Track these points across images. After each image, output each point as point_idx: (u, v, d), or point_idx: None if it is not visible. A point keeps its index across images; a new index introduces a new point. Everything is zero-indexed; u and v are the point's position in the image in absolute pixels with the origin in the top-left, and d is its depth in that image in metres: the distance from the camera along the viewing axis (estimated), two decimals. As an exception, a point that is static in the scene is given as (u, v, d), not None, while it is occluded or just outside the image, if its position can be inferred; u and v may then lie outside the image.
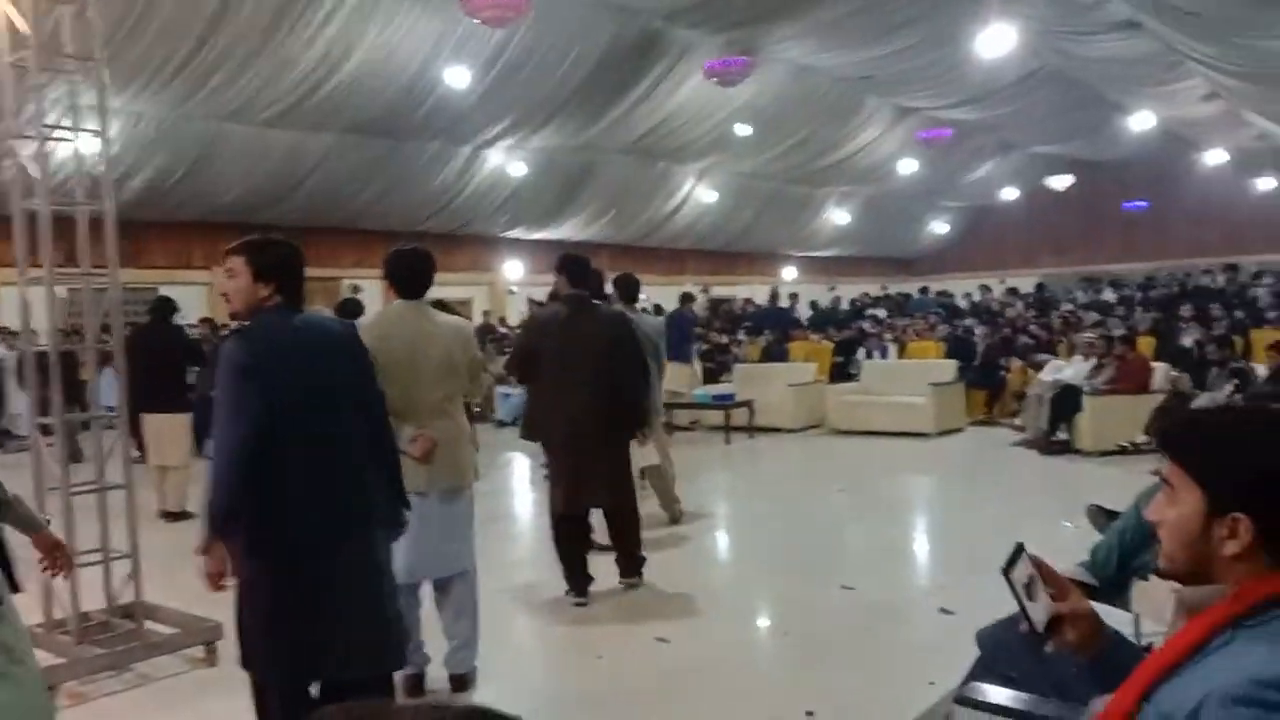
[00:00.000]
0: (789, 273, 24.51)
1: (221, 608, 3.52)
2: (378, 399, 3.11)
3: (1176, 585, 1.49)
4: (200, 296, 14.90)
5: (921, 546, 7.01)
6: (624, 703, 3.90)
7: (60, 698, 3.84)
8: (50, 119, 4.49)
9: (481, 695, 3.89)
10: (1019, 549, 1.67)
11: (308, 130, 13.18)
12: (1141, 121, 17.00)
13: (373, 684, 2.91)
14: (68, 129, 4.40)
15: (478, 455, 5.54)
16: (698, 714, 3.80)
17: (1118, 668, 1.54)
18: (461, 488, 3.92)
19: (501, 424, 12.98)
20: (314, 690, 2.92)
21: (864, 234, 24.27)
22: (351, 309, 7.44)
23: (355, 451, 2.93)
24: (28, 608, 3.04)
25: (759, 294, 21.43)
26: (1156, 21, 10.61)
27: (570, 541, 5.16)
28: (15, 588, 2.61)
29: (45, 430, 4.38)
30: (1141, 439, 9.18)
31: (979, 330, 14.70)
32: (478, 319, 16.44)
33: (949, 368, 12.04)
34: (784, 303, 18.46)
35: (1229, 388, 8.78)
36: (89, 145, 4.50)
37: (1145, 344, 11.79)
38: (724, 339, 16.04)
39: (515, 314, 17.54)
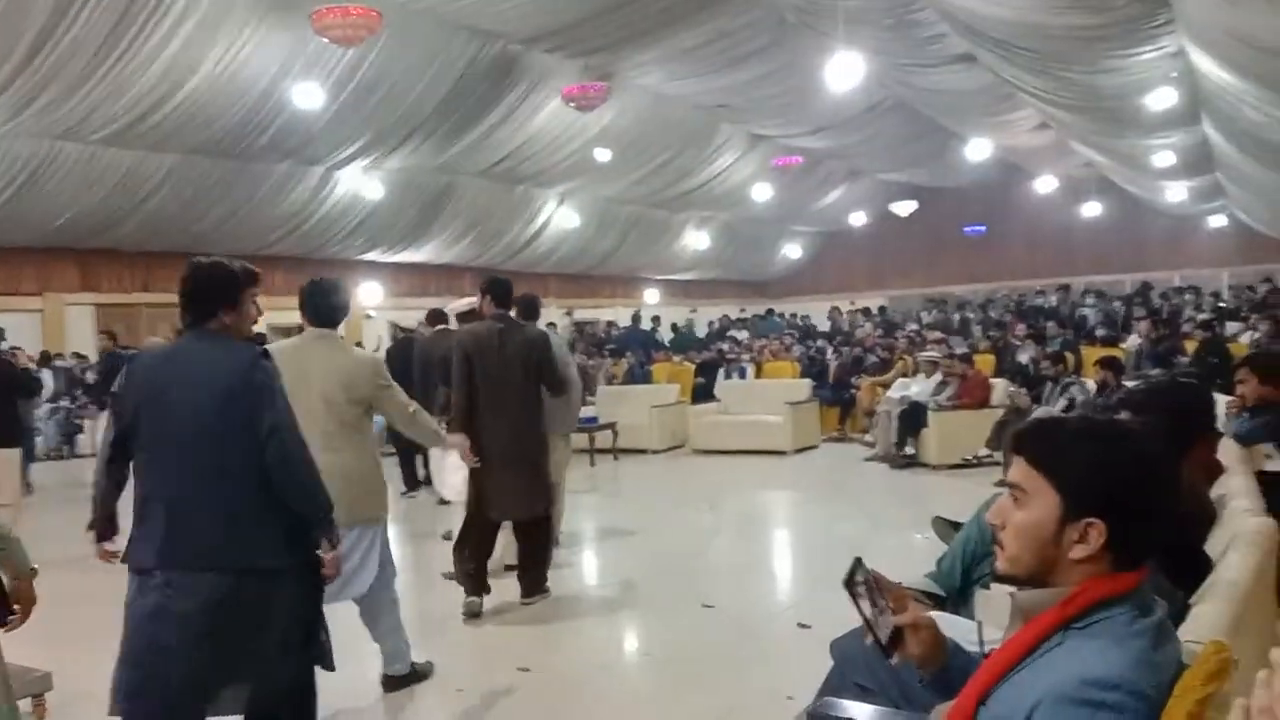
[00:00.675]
0: (651, 295, 24.74)
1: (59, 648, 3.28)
2: (274, 432, 2.75)
3: (1013, 589, 1.54)
4: (34, 324, 14.00)
5: (780, 562, 7.16)
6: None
7: None
8: None
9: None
10: (857, 562, 1.69)
11: (147, 150, 12.54)
12: (978, 150, 17.78)
13: None
14: None
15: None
16: (561, 741, 3.75)
17: (958, 675, 1.59)
18: (352, 524, 3.65)
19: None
20: None
21: (722, 258, 24.73)
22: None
23: (207, 488, 2.69)
24: None
25: (622, 317, 21.58)
26: (991, 55, 11.19)
27: (480, 546, 5.29)
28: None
29: None
30: (984, 452, 9.63)
31: (829, 350, 15.25)
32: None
33: (803, 387, 12.38)
34: (645, 325, 18.60)
35: (1063, 402, 9.30)
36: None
37: (984, 361, 12.38)
38: (589, 362, 16.03)
39: (371, 340, 16.94)
